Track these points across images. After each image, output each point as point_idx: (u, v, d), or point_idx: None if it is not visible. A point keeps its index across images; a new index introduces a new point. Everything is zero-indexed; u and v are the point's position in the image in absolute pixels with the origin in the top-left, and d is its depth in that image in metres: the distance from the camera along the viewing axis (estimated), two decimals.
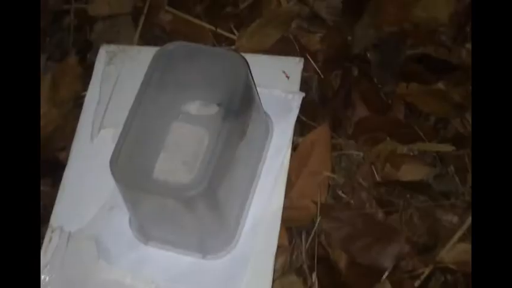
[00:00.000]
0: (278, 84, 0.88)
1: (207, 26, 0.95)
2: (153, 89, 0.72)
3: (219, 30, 0.95)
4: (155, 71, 0.72)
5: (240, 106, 0.71)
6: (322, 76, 0.90)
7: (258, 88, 0.84)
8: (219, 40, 0.95)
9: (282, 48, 0.93)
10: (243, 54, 0.89)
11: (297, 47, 0.93)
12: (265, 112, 0.84)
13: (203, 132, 0.77)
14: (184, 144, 0.76)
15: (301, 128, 0.86)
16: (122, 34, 0.97)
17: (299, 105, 0.86)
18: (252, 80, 0.75)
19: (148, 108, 0.71)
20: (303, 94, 0.87)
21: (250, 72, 0.75)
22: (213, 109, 0.77)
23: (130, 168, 0.68)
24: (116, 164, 0.67)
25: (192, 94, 0.79)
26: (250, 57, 0.88)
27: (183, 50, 0.74)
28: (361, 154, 0.84)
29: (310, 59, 0.92)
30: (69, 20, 0.99)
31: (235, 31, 0.95)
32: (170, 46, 0.74)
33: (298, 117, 0.86)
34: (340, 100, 0.88)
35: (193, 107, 0.79)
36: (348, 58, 0.91)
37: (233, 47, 0.94)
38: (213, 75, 0.75)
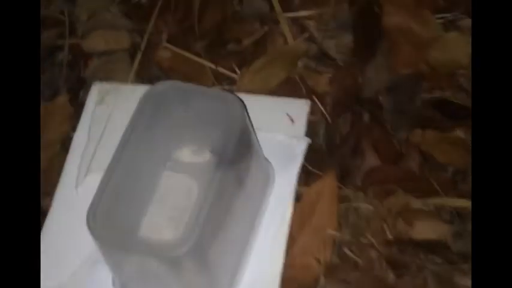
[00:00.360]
0: (281, 128, 0.82)
1: (207, 63, 0.89)
2: (140, 132, 0.65)
3: (219, 69, 0.88)
4: (143, 112, 0.66)
5: (236, 153, 0.64)
6: (330, 121, 0.83)
7: (259, 132, 0.78)
8: (219, 79, 0.88)
9: (287, 89, 0.86)
10: (244, 94, 0.83)
11: (304, 89, 0.86)
12: (265, 159, 0.77)
13: (193, 182, 0.70)
14: (172, 196, 0.69)
15: (306, 177, 0.79)
16: (117, 71, 0.90)
17: (304, 152, 0.79)
18: (250, 124, 0.68)
19: (134, 153, 0.64)
20: (309, 140, 0.80)
21: (249, 115, 0.69)
22: (205, 156, 0.70)
23: (110, 224, 0.61)
24: (93, 218, 0.60)
25: (183, 139, 0.72)
26: (252, 98, 0.82)
27: (175, 90, 0.67)
28: (371, 208, 0.76)
29: (318, 102, 0.84)
30: (62, 55, 0.92)
31: (237, 69, 0.88)
32: (161, 85, 0.67)
33: (302, 165, 0.79)
34: (349, 147, 0.81)
35: (184, 154, 0.72)
36: (359, 102, 0.84)
37: (234, 86, 0.87)
38: (207, 118, 0.68)
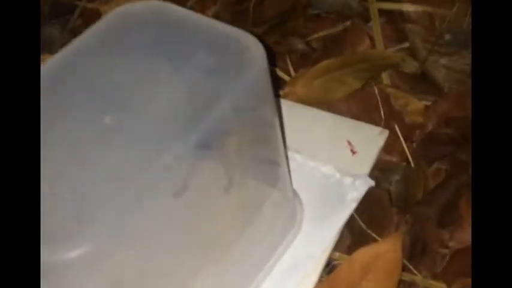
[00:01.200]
0: (334, 157, 0.52)
1: None
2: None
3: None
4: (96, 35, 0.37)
5: (232, 136, 0.34)
6: (412, 164, 0.52)
7: (297, 155, 0.52)
8: None
9: (355, 106, 0.56)
10: (292, 103, 0.54)
11: (383, 112, 0.55)
12: (293, 190, 0.47)
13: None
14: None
15: (353, 238, 0.48)
16: None
17: (359, 199, 0.49)
18: (272, 103, 0.38)
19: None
20: (372, 183, 0.49)
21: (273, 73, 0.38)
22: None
23: None
24: None
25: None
26: (299, 109, 0.53)
27: (153, 12, 0.38)
28: None
29: (400, 135, 0.54)
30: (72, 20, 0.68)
31: (292, 70, 0.60)
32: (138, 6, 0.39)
33: (352, 217, 0.48)
34: (435, 210, 0.49)
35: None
36: (464, 147, 0.52)
37: (281, 91, 0.58)
38: (195, 65, 0.39)
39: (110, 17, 0.36)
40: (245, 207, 0.41)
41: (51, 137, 0.29)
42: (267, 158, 0.40)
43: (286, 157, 0.45)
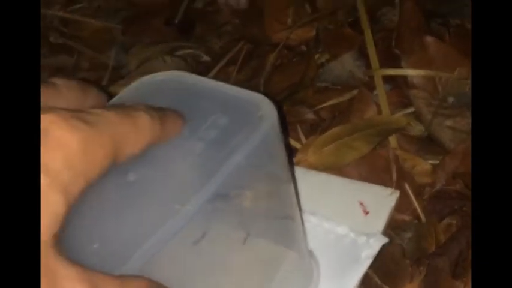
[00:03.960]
0: (348, 219, 0.54)
1: None
2: None
3: None
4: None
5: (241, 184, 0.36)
6: (423, 220, 0.54)
7: (312, 217, 0.54)
8: None
9: (367, 170, 0.58)
10: (305, 169, 0.57)
11: (394, 173, 0.58)
12: (309, 250, 0.49)
13: None
14: None
15: None
16: None
17: (373, 256, 0.50)
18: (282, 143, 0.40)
19: None
20: (386, 240, 0.51)
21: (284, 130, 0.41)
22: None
23: None
24: None
25: None
26: (313, 175, 0.56)
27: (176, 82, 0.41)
28: None
29: (411, 194, 0.56)
30: None
31: (302, 137, 0.63)
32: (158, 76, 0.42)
33: (366, 275, 0.49)
34: (449, 260, 0.50)
35: None
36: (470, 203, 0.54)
37: (294, 159, 0.61)
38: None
39: (134, 85, 0.39)
40: (262, 263, 0.42)
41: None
42: (281, 215, 0.42)
43: (301, 218, 0.47)
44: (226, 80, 0.70)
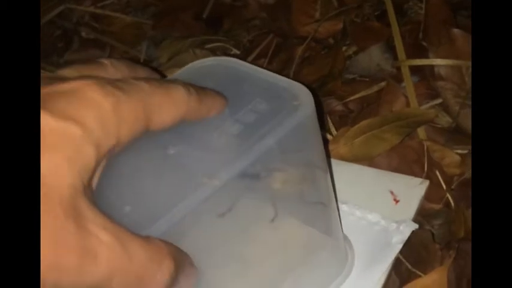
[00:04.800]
0: (379, 207, 0.55)
1: None
2: None
3: None
4: None
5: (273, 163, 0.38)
6: (453, 206, 0.55)
7: (344, 205, 0.56)
8: None
9: (397, 161, 0.60)
10: (336, 161, 0.59)
11: (425, 164, 0.59)
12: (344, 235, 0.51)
13: None
14: None
15: (401, 278, 0.51)
16: None
17: (403, 241, 0.52)
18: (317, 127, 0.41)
19: None
20: (416, 226, 0.52)
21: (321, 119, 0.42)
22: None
23: None
24: None
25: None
26: (345, 166, 0.58)
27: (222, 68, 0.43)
28: None
29: (442, 182, 0.57)
30: None
31: (333, 128, 0.64)
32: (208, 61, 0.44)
33: (397, 260, 0.51)
34: None
35: None
36: None
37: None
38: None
39: (184, 70, 0.41)
40: (292, 245, 0.44)
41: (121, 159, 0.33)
42: (314, 200, 0.44)
43: (337, 205, 0.49)
44: None
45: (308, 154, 0.42)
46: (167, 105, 0.33)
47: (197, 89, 0.35)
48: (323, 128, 0.64)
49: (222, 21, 0.82)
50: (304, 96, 0.38)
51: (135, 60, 0.79)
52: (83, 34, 0.84)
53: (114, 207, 0.31)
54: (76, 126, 0.28)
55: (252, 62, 0.74)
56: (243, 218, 0.38)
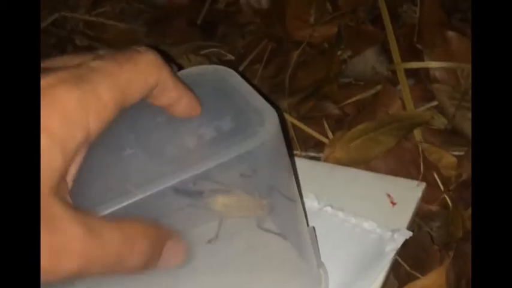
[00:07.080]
0: (375, 210, 0.55)
1: (295, 122, 0.66)
2: None
3: (306, 129, 0.65)
4: None
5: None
6: (451, 207, 0.55)
7: (340, 212, 0.56)
8: (305, 142, 0.64)
9: (393, 163, 0.60)
10: (333, 165, 0.58)
11: (421, 165, 0.59)
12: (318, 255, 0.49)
13: None
14: None
15: (399, 281, 0.51)
16: None
17: (396, 249, 0.52)
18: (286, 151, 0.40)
19: None
20: (409, 234, 0.52)
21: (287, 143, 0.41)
22: None
23: None
24: None
25: None
26: (341, 170, 0.58)
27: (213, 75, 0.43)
28: None
29: (440, 183, 0.57)
30: None
31: (329, 133, 0.64)
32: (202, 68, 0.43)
33: (396, 262, 0.51)
34: None
35: None
36: None
37: (321, 154, 0.62)
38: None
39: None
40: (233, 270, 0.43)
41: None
42: (274, 230, 0.42)
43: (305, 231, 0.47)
44: (252, 77, 0.72)
45: (268, 181, 0.40)
46: (136, 77, 0.33)
47: (179, 78, 0.36)
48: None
49: (216, 27, 0.82)
50: (269, 123, 0.37)
51: None
52: (77, 42, 0.84)
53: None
54: (42, 135, 0.29)
55: (247, 68, 0.74)
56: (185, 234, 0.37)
